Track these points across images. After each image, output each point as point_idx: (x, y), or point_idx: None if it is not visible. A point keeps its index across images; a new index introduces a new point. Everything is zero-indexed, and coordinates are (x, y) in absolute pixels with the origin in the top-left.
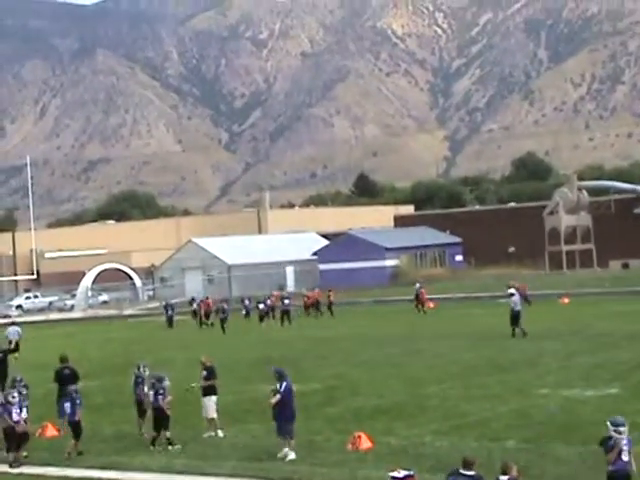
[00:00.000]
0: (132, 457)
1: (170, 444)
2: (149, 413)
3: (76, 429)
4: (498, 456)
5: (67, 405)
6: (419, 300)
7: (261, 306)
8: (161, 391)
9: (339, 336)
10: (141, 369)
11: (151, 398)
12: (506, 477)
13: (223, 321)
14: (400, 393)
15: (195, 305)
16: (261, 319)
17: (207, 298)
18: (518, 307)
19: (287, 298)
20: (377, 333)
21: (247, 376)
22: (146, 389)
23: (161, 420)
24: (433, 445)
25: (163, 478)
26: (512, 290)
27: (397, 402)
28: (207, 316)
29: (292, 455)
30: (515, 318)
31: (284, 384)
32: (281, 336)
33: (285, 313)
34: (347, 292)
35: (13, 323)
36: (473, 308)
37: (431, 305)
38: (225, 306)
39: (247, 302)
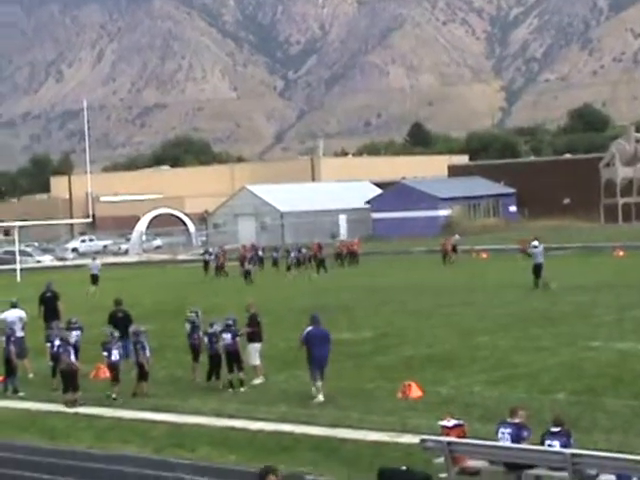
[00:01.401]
0: (184, 400)
1: (242, 385)
2: (204, 359)
3: (141, 371)
4: (548, 408)
5: (130, 347)
6: (448, 251)
7: (292, 254)
8: (214, 339)
9: (391, 285)
10: (193, 315)
11: (206, 344)
12: (513, 419)
13: (247, 273)
14: (450, 343)
15: (209, 256)
16: (288, 268)
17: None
18: (540, 260)
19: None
20: (428, 283)
21: (298, 323)
22: (201, 334)
23: (219, 364)
24: (482, 395)
25: (214, 421)
26: (535, 242)
27: (447, 352)
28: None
29: (321, 397)
30: (537, 270)
31: (307, 329)
32: (328, 285)
33: (321, 262)
34: (399, 241)
35: (94, 258)
36: (526, 260)
37: (484, 256)
38: (259, 253)
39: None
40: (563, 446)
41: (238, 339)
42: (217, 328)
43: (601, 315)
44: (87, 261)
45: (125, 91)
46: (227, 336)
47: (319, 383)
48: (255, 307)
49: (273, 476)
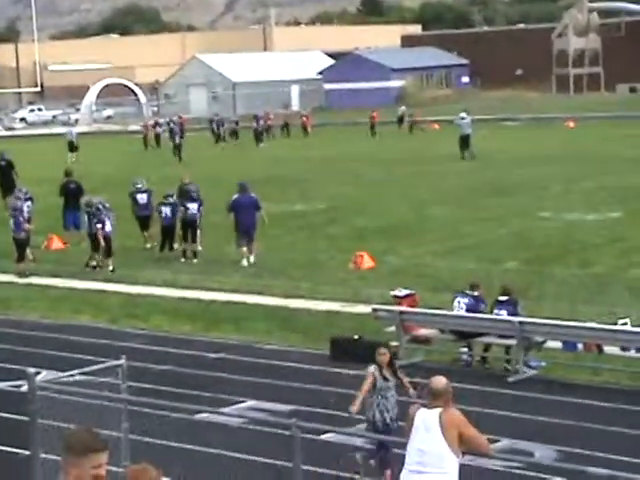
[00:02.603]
0: (137, 271)
1: (195, 256)
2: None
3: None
4: (497, 277)
5: (85, 218)
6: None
7: (226, 125)
8: (176, 209)
9: (343, 156)
10: (139, 185)
11: (164, 214)
12: (472, 292)
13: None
14: (402, 214)
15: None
16: (218, 139)
17: (180, 117)
18: (467, 131)
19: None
20: (381, 154)
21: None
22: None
23: (173, 235)
24: (434, 265)
25: (168, 292)
26: (463, 114)
27: (399, 223)
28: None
29: (245, 262)
30: (464, 141)
31: (234, 197)
32: (279, 156)
33: (260, 133)
34: (352, 112)
35: (71, 126)
36: (477, 130)
37: (436, 127)
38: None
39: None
40: (510, 314)
41: (202, 209)
42: (174, 199)
43: (550, 186)
44: (36, 131)
45: None
46: (193, 205)
47: (244, 249)
48: (189, 178)
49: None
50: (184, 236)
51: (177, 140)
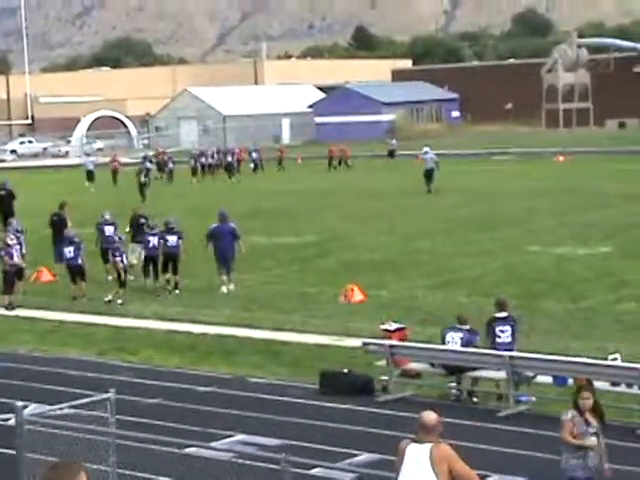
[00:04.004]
0: (127, 303)
1: (177, 287)
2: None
3: (80, 273)
4: (488, 311)
5: (68, 250)
6: (333, 158)
7: (203, 160)
8: (161, 240)
9: (334, 190)
10: (107, 217)
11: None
12: (463, 326)
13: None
14: (392, 248)
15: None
16: (194, 173)
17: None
18: (430, 165)
19: (256, 151)
20: (372, 187)
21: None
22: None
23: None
24: (424, 299)
25: (157, 325)
26: (426, 148)
27: (389, 256)
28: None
29: (224, 289)
30: (428, 175)
31: (212, 226)
32: (268, 189)
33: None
34: (343, 145)
35: (89, 155)
36: (468, 165)
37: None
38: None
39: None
40: (514, 332)
41: (181, 241)
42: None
43: (540, 220)
44: (26, 163)
45: None
46: (172, 238)
47: (224, 277)
48: (142, 210)
49: None
50: (164, 268)
51: (142, 179)
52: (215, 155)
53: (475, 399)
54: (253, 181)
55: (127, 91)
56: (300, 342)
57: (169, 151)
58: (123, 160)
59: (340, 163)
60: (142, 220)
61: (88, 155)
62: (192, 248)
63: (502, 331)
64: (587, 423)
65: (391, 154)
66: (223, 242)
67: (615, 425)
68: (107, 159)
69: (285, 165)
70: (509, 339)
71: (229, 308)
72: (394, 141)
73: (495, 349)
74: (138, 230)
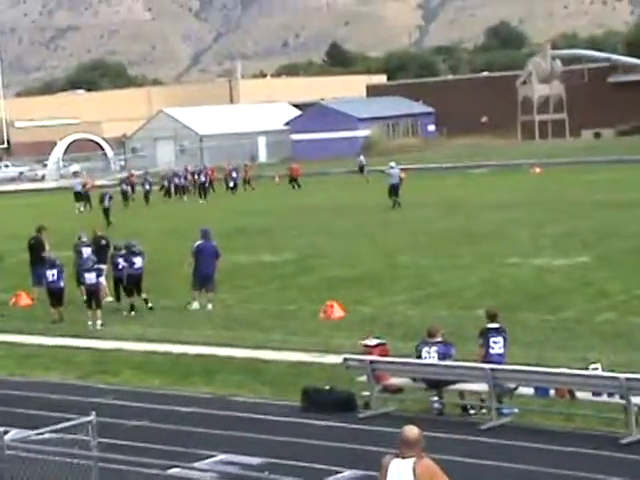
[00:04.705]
0: (106, 326)
1: (147, 303)
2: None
3: (61, 296)
4: (469, 324)
5: (51, 272)
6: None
7: (176, 180)
8: (127, 263)
9: (311, 206)
10: (84, 239)
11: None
12: (435, 339)
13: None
14: (372, 263)
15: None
16: (167, 194)
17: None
18: (395, 180)
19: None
20: (348, 203)
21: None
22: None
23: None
24: (405, 314)
25: (137, 346)
26: (392, 164)
27: (369, 272)
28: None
29: (196, 305)
30: (393, 190)
31: (197, 243)
32: (246, 207)
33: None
34: (319, 162)
35: (76, 176)
36: (444, 178)
37: (402, 175)
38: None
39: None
40: (505, 343)
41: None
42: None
43: (518, 232)
44: (2, 187)
45: (36, 13)
46: (138, 259)
47: (196, 292)
48: (101, 232)
49: None
50: (130, 292)
51: (106, 203)
52: (188, 176)
53: (472, 411)
54: (230, 200)
55: (103, 113)
56: (281, 360)
57: (151, 171)
58: (98, 183)
59: (291, 181)
60: (103, 242)
61: (76, 177)
62: (170, 268)
63: (495, 342)
64: None
65: (361, 170)
66: (205, 261)
67: (599, 435)
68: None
69: (254, 184)
70: (501, 350)
71: (209, 327)
72: (362, 157)
73: (490, 360)
74: (100, 251)
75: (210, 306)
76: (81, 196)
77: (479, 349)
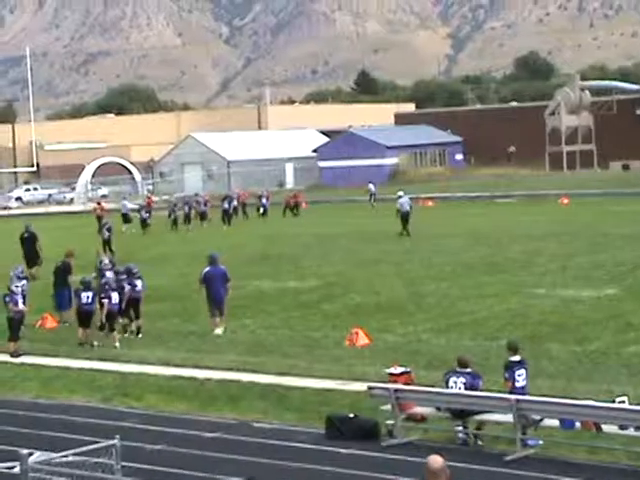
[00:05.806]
0: (130, 349)
1: (139, 333)
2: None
3: (90, 319)
4: (494, 354)
5: (86, 295)
6: (289, 205)
7: (225, 205)
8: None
9: (337, 234)
10: (106, 261)
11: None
12: (465, 369)
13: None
14: (397, 291)
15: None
16: (174, 223)
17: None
18: (406, 208)
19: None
20: (375, 231)
21: (247, 272)
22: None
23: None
24: (429, 343)
25: (162, 370)
26: (400, 192)
27: (394, 300)
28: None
29: (219, 331)
30: (404, 218)
31: (205, 269)
32: (272, 234)
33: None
34: (346, 190)
35: (125, 198)
36: (472, 208)
37: (430, 204)
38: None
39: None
40: (527, 375)
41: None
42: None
43: (545, 263)
44: (31, 210)
45: (68, 38)
46: (139, 282)
47: (217, 319)
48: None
49: None
50: (128, 314)
51: (105, 235)
52: (207, 203)
53: (480, 442)
54: (258, 225)
55: (131, 137)
56: (305, 387)
57: (178, 196)
58: (129, 206)
59: (293, 209)
60: (130, 267)
61: (124, 199)
62: (195, 293)
63: (519, 375)
64: None
65: (370, 197)
66: (215, 286)
67: (625, 469)
68: (112, 205)
69: (298, 211)
70: (524, 382)
71: (234, 353)
72: (371, 185)
73: (516, 393)
74: (101, 274)
75: (219, 330)
76: (129, 217)
77: (505, 382)
